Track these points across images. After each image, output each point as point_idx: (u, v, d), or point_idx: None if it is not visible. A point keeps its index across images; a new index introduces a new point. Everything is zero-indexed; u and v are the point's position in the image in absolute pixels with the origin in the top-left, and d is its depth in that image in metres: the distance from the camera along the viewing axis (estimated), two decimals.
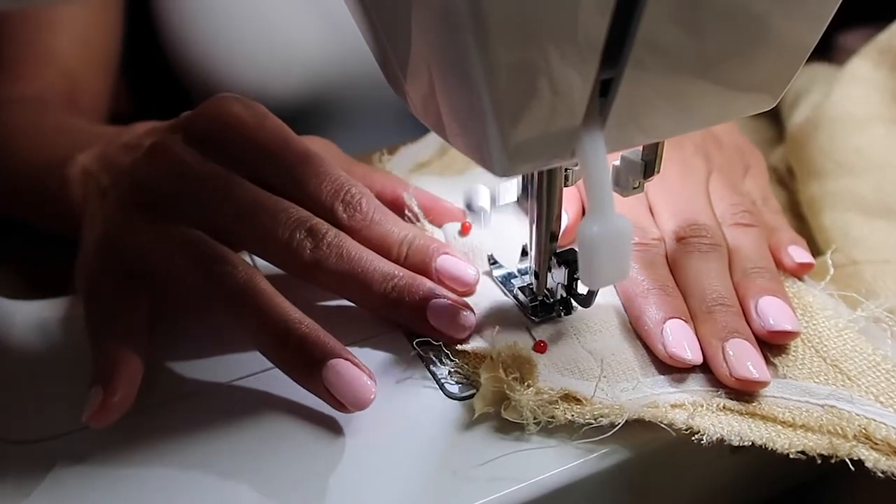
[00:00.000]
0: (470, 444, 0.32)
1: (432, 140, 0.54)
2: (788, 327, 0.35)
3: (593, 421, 0.32)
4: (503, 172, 0.27)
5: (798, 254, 0.40)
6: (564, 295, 0.37)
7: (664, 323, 0.35)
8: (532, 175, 0.35)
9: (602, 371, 0.34)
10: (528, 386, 0.33)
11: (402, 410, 0.34)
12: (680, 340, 0.34)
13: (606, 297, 0.39)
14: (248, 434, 0.33)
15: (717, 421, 0.32)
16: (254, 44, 0.66)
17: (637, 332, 0.37)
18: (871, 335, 0.36)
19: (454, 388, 0.35)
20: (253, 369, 0.36)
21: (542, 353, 0.35)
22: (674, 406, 0.33)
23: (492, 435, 0.33)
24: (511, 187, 0.37)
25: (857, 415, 0.32)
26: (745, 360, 0.33)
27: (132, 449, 0.33)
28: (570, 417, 0.32)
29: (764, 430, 0.32)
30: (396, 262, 0.37)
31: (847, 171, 0.49)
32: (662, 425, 0.31)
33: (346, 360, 0.32)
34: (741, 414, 0.33)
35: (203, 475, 0.32)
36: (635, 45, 0.24)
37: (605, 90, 0.26)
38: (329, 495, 0.31)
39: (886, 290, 0.41)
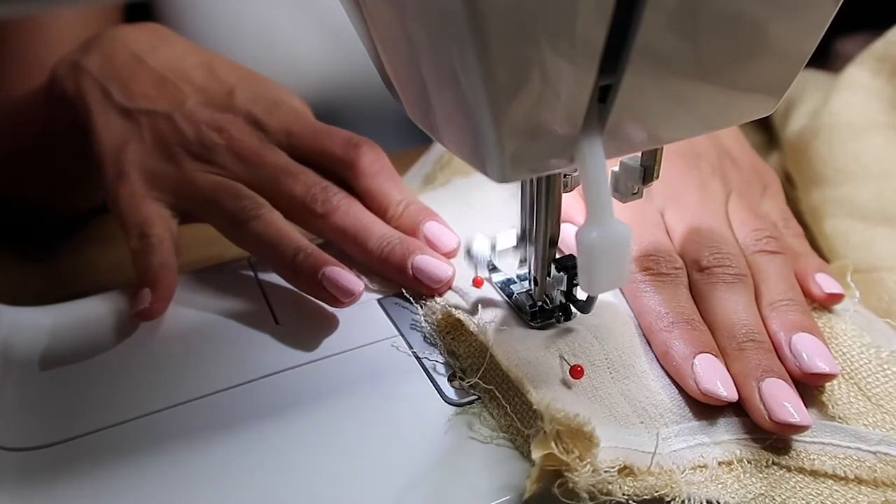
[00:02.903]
0: (469, 450, 0.32)
1: (433, 153, 0.54)
2: (826, 369, 0.33)
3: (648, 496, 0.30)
4: (501, 178, 0.27)
5: (827, 283, 0.38)
6: (564, 301, 0.37)
7: (693, 358, 0.34)
8: (531, 181, 0.35)
9: (642, 422, 0.33)
10: (586, 464, 0.29)
11: (400, 415, 0.34)
12: (712, 376, 0.33)
13: (621, 301, 0.38)
14: (246, 441, 0.33)
15: (769, 488, 0.31)
16: (255, 55, 0.65)
17: (665, 368, 0.35)
18: None
19: (453, 395, 0.35)
20: (250, 376, 0.36)
21: (577, 378, 0.34)
22: (721, 464, 0.31)
23: (492, 440, 0.33)
24: (510, 235, 0.38)
25: None
26: (782, 401, 0.32)
27: (131, 456, 0.33)
28: (627, 493, 0.29)
29: (816, 491, 0.31)
30: (391, 221, 0.42)
31: (847, 178, 0.49)
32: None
33: (338, 266, 0.38)
34: (789, 470, 0.31)
35: (200, 482, 0.32)
36: (633, 51, 0.24)
37: (603, 96, 0.26)
38: (326, 499, 0.31)
39: None
